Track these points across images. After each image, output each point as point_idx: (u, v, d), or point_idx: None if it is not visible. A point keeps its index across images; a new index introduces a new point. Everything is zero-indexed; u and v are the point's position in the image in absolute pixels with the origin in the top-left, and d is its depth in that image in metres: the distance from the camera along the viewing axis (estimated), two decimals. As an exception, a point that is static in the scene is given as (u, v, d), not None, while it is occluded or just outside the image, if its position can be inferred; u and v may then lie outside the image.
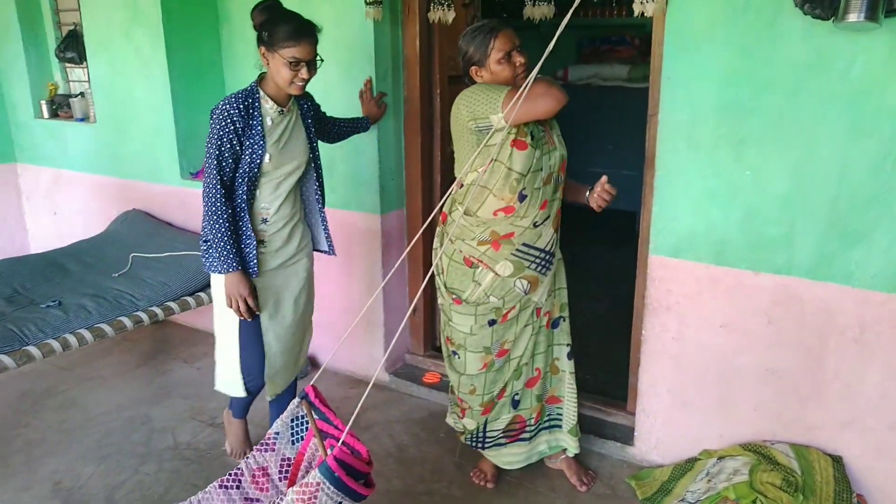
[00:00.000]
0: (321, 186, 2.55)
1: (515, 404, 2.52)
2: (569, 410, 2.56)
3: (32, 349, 2.69)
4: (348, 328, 2.03)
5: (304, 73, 2.22)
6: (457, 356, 2.44)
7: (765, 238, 2.27)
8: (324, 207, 2.58)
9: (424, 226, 2.17)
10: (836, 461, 2.30)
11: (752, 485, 2.27)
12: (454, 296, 2.34)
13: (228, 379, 2.54)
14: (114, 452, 2.85)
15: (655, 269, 2.51)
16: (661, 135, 2.37)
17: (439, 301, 2.47)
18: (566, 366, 2.54)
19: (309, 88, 2.36)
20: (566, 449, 2.61)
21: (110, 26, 3.82)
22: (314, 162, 2.50)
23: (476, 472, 2.65)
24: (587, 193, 2.33)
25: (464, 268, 2.31)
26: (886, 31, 1.95)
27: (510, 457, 2.58)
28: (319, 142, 2.61)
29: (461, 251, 2.29)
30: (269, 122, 2.29)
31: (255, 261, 2.33)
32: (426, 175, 3.20)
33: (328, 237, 2.62)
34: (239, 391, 2.53)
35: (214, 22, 3.59)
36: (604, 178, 2.27)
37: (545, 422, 2.59)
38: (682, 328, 2.51)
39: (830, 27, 1.99)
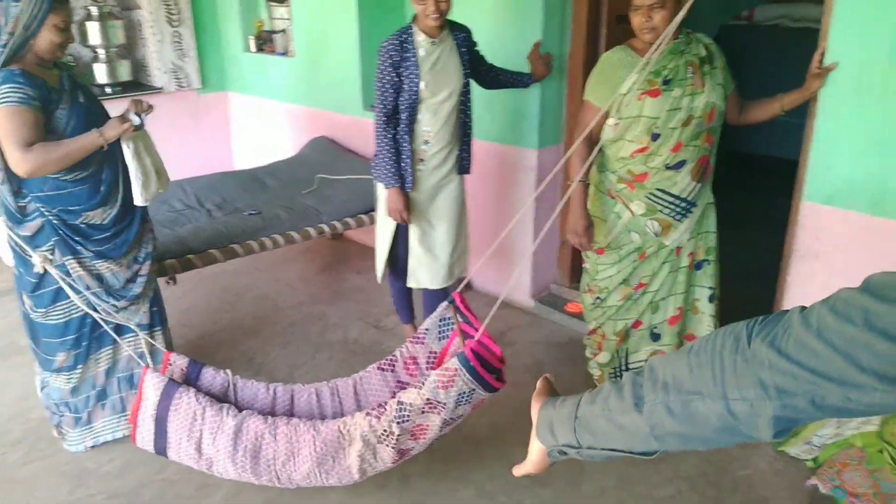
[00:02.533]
0: (470, 114, 2.83)
1: (655, 337, 2.65)
2: None
3: (236, 247, 3.23)
4: (498, 255, 2.25)
5: (431, 5, 2.50)
6: (600, 300, 2.63)
7: (927, 190, 2.19)
8: (471, 135, 2.87)
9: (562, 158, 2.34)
10: (983, 425, 2.22)
11: (882, 435, 2.27)
12: (596, 245, 2.52)
13: (378, 264, 3.00)
14: (295, 340, 3.38)
15: (807, 216, 2.49)
16: (828, 79, 2.32)
17: (585, 265, 2.69)
18: (706, 308, 2.61)
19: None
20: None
21: (309, -32, 4.25)
22: (466, 88, 2.76)
23: (606, 395, 2.84)
24: (780, 97, 2.40)
25: (606, 198, 2.49)
26: None
27: None
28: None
29: (604, 182, 2.46)
30: (421, 52, 2.62)
31: (411, 177, 2.72)
32: (586, 113, 3.32)
33: (469, 160, 2.92)
34: (379, 276, 3.00)
35: (399, -37, 3.88)
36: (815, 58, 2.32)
37: (681, 357, 2.70)
38: (829, 277, 2.49)
39: None
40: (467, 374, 1.84)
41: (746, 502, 2.33)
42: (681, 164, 2.34)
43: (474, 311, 2.16)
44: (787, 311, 0.74)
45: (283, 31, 4.91)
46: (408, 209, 2.75)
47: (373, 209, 3.70)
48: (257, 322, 3.56)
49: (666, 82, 2.26)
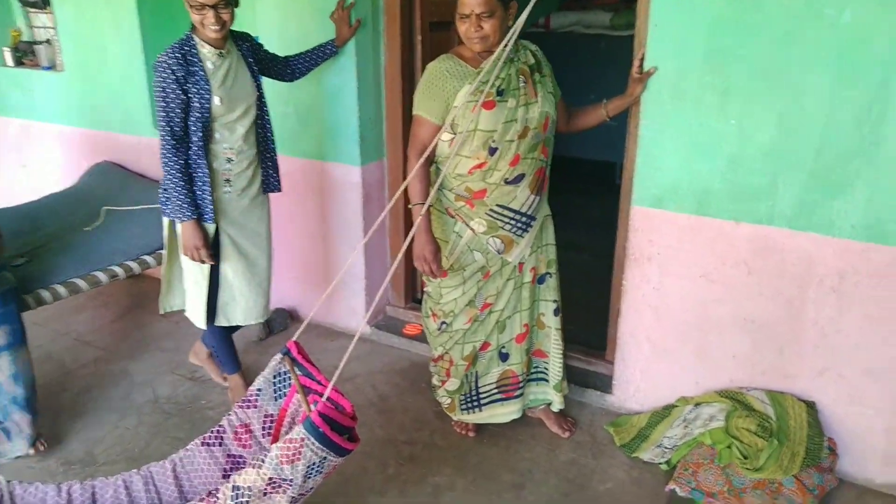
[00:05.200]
0: (270, 127, 2.59)
1: (504, 357, 2.53)
2: (554, 366, 2.58)
3: (5, 304, 2.62)
4: (327, 281, 2.00)
5: (210, 17, 2.23)
6: (446, 325, 2.46)
7: (748, 188, 2.26)
8: (275, 150, 2.63)
9: (406, 182, 2.14)
10: (810, 406, 2.35)
11: (728, 430, 2.32)
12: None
13: (196, 308, 2.60)
14: (93, 407, 2.83)
15: (637, 220, 2.50)
16: (649, 84, 2.33)
17: (427, 289, 2.51)
18: (552, 322, 2.54)
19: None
20: (550, 403, 2.64)
21: (73, -32, 3.66)
22: (260, 100, 2.51)
23: (457, 423, 2.67)
24: (604, 103, 2.38)
25: (446, 217, 2.33)
26: (876, -24, 1.92)
27: (504, 416, 2.60)
28: (289, 84, 2.76)
29: (442, 201, 2.30)
30: (209, 65, 2.33)
31: (211, 207, 2.40)
32: (408, 124, 3.12)
33: (278, 178, 2.67)
34: (201, 322, 2.60)
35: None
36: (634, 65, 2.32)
37: (531, 374, 2.61)
38: (662, 278, 2.52)
39: (820, -29, 1.95)
40: (316, 443, 1.55)
41: (612, 518, 2.27)
42: (520, 178, 2.23)
43: (304, 344, 1.88)
44: None
45: (48, 41, 4.20)
46: (207, 245, 2.41)
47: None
48: (41, 392, 2.93)
49: (500, 93, 2.13)
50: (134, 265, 3.07)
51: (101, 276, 2.93)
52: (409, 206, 2.29)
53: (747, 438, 2.27)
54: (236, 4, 2.32)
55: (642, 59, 2.31)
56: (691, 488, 2.26)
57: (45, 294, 2.74)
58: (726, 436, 2.31)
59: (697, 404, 2.50)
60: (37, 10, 4.26)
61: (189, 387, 2.97)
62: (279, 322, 3.41)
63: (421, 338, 3.23)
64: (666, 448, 2.47)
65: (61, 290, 2.78)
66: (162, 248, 3.21)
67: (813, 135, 2.11)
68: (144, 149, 3.76)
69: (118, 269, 3.00)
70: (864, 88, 2.00)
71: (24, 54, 4.24)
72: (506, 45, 1.79)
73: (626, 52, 2.52)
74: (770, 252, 2.30)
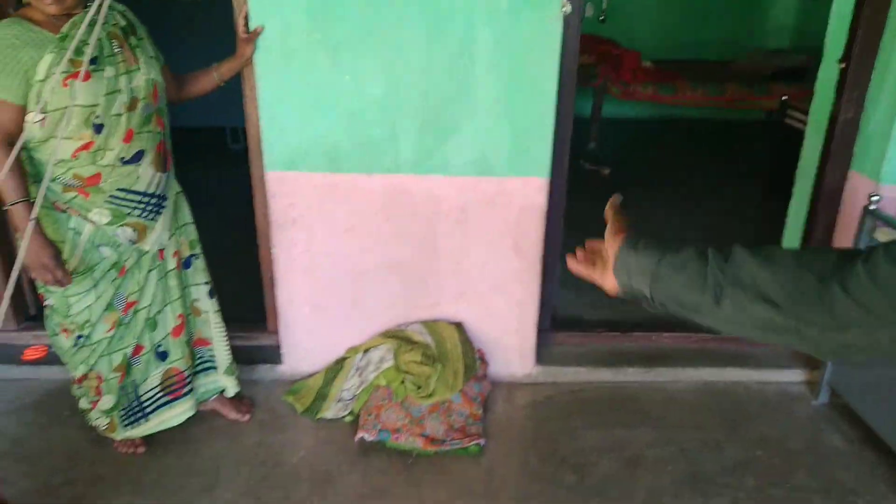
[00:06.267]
0: None
1: (163, 356, 2.29)
2: (220, 350, 2.44)
3: None
4: None
5: None
6: (84, 338, 2.12)
7: (371, 140, 2.36)
8: None
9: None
10: (459, 327, 2.64)
11: (398, 367, 2.48)
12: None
13: None
14: None
15: (274, 185, 2.45)
16: (259, 44, 2.23)
17: (48, 302, 2.11)
18: (208, 305, 2.38)
19: None
20: (223, 390, 2.50)
21: None
22: None
23: (120, 442, 2.37)
24: (215, 66, 2.23)
25: (55, 213, 1.98)
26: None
27: (176, 418, 2.37)
28: None
29: (47, 195, 1.96)
30: None
31: None
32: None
33: None
34: None
35: None
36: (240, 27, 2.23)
37: (197, 365, 2.42)
38: (310, 239, 2.53)
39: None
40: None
41: (314, 488, 2.26)
42: (139, 156, 1.98)
43: None
44: (859, 254, 0.82)
45: None
46: None
47: None
48: None
49: (93, 61, 1.83)
50: None
51: None
52: (4, 208, 1.88)
53: (415, 370, 2.46)
54: None
55: (247, 18, 2.21)
56: (378, 430, 2.37)
57: None
58: (398, 372, 2.47)
59: (366, 350, 2.62)
60: None
61: None
62: None
63: (49, 359, 2.74)
64: (346, 400, 2.55)
65: None
66: None
67: (418, 85, 2.28)
68: None
69: None
70: (454, 38, 2.22)
71: None
72: (99, 6, 1.51)
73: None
74: (402, 197, 2.46)
